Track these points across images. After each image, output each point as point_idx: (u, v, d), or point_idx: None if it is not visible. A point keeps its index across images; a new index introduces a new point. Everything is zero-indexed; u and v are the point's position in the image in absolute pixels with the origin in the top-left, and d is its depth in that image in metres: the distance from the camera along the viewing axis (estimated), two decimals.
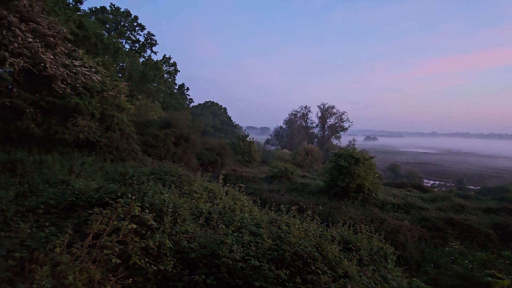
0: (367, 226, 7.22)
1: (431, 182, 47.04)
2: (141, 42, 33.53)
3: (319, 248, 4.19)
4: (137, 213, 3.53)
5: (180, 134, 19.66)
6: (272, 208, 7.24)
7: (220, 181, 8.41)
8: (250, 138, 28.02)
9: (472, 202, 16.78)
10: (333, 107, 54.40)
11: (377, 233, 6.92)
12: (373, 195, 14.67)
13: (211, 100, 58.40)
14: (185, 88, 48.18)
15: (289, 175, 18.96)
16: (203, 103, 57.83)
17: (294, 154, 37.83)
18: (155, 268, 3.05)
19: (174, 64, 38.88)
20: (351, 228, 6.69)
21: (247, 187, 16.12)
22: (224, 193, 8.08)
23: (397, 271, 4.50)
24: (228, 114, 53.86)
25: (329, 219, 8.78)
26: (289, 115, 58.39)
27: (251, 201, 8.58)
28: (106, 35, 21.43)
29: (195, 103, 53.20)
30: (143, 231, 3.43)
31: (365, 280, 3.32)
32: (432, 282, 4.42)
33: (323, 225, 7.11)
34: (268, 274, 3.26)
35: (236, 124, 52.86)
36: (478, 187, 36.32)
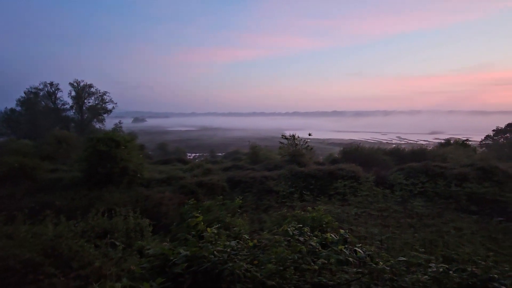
0: (127, 208, 7.20)
1: (193, 154, 55.83)
2: None
3: (49, 250, 3.56)
4: None
5: None
6: None
7: None
8: None
9: (217, 165, 21.74)
10: (91, 86, 47.35)
11: (138, 211, 7.11)
12: (139, 175, 14.84)
13: None
14: None
15: (28, 172, 14.55)
16: None
17: (40, 145, 29.43)
18: None
19: None
20: (105, 215, 6.40)
21: None
22: None
23: (147, 241, 4.90)
24: None
25: (90, 211, 7.85)
26: (25, 93, 43.86)
27: None
28: None
29: None
30: None
31: (101, 261, 3.25)
32: (173, 238, 5.24)
33: (76, 221, 6.27)
34: None
35: None
36: (223, 153, 47.98)
